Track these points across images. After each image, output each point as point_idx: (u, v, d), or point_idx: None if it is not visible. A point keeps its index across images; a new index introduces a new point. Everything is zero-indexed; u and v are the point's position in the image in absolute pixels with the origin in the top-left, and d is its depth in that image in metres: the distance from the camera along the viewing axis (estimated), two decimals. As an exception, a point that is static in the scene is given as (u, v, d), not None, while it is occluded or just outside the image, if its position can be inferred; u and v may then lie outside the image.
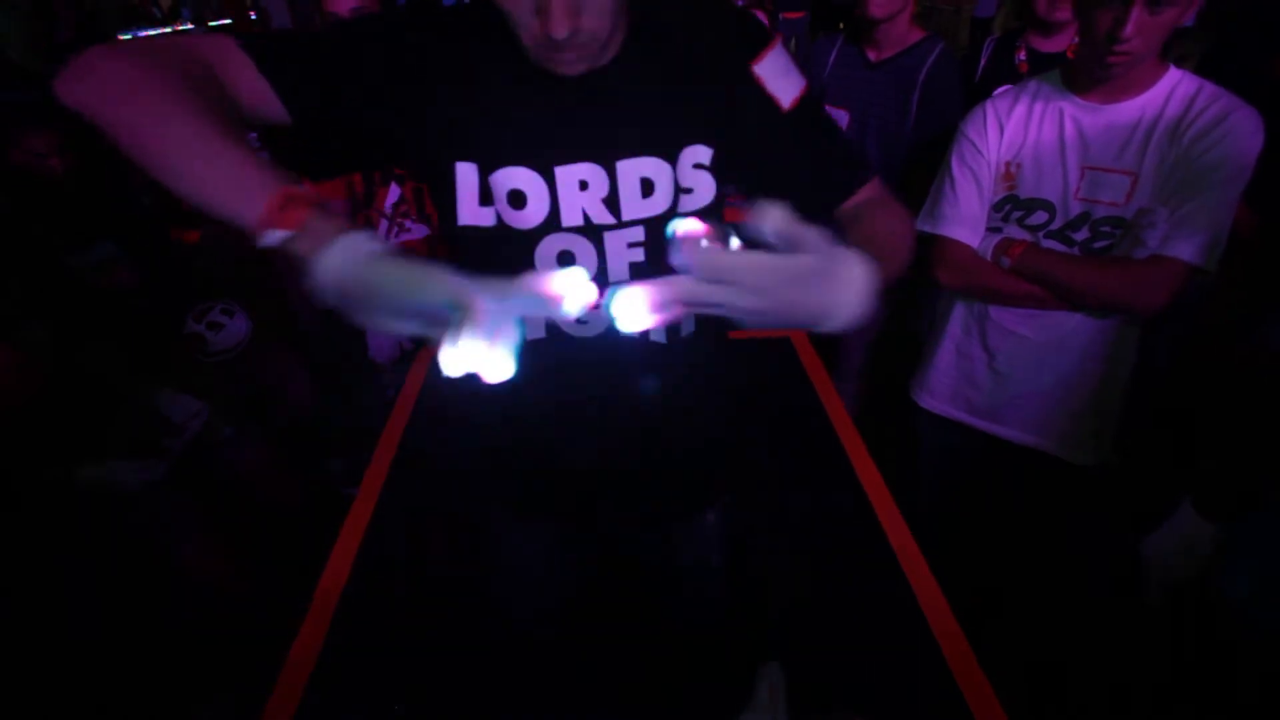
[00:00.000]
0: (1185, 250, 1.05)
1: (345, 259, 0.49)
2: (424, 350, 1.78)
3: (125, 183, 1.92)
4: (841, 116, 1.69)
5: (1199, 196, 1.04)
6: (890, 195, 0.77)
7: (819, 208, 0.73)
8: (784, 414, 1.43)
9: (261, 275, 2.75)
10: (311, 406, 2.14)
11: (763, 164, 0.75)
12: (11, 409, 1.17)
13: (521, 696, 0.88)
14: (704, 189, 0.74)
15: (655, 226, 0.74)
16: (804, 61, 1.81)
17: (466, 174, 0.71)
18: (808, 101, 0.73)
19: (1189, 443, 1.25)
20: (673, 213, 0.74)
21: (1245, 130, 1.02)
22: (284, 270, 2.82)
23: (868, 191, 0.75)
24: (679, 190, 0.74)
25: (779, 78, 0.71)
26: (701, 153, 0.72)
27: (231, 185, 0.53)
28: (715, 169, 0.73)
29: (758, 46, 0.70)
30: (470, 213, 0.73)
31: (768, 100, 0.71)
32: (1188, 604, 1.08)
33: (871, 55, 1.62)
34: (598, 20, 0.59)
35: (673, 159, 0.72)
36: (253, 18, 7.24)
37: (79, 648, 1.28)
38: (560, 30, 0.56)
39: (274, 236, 0.51)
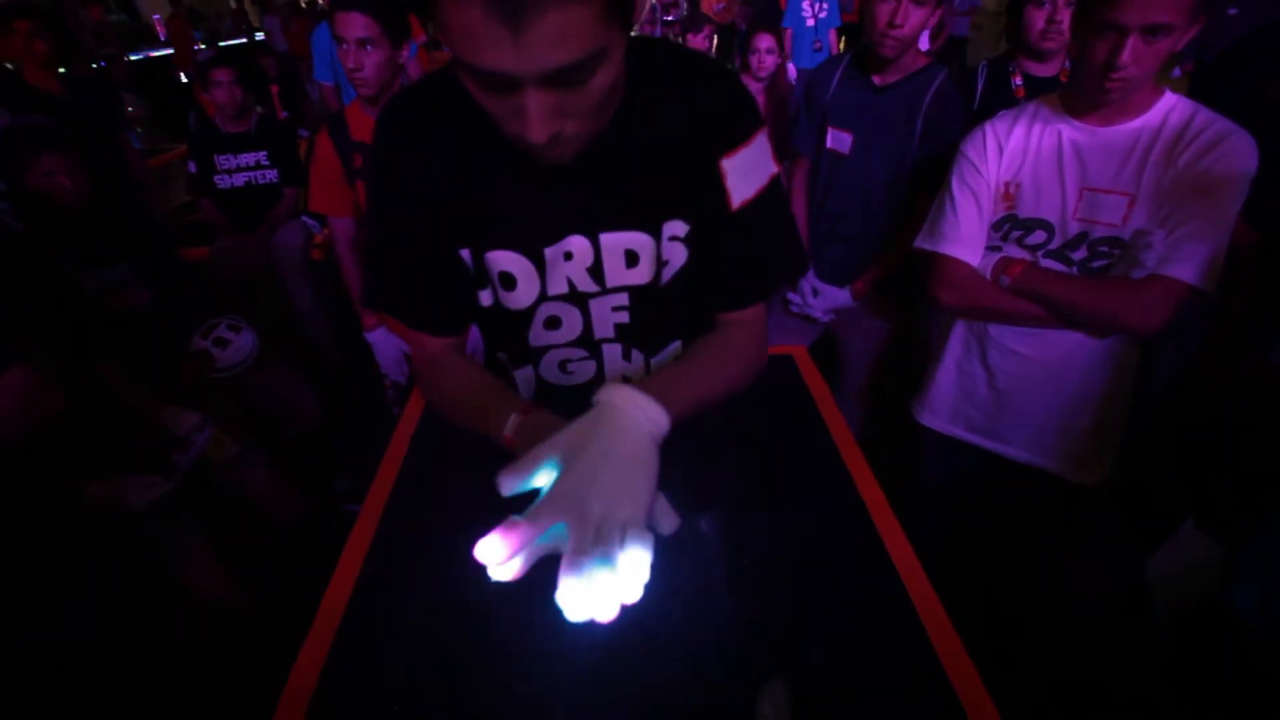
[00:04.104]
0: (1182, 271, 1.06)
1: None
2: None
3: (138, 203, 1.95)
4: (846, 138, 1.72)
5: (1195, 218, 1.05)
6: (761, 321, 0.82)
7: (714, 304, 0.80)
8: (786, 430, 1.43)
9: (268, 291, 2.77)
10: (318, 423, 2.15)
11: (701, 248, 0.77)
12: (35, 431, 1.18)
13: (523, 715, 0.88)
14: (677, 259, 0.77)
15: (640, 292, 0.78)
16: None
17: (466, 259, 0.75)
18: (758, 202, 0.72)
19: (1191, 461, 1.25)
20: (656, 282, 0.77)
21: (1240, 154, 1.03)
22: (290, 286, 2.86)
23: (751, 314, 0.80)
24: (660, 263, 0.76)
25: (742, 176, 0.71)
26: (679, 227, 0.74)
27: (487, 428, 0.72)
28: (689, 241, 0.76)
29: (736, 140, 0.69)
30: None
31: (722, 194, 0.71)
32: (1195, 618, 1.07)
33: (877, 80, 1.66)
34: (580, 123, 0.57)
35: (655, 233, 0.74)
36: (259, 38, 7.43)
37: (81, 664, 1.28)
38: (539, 136, 0.54)
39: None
